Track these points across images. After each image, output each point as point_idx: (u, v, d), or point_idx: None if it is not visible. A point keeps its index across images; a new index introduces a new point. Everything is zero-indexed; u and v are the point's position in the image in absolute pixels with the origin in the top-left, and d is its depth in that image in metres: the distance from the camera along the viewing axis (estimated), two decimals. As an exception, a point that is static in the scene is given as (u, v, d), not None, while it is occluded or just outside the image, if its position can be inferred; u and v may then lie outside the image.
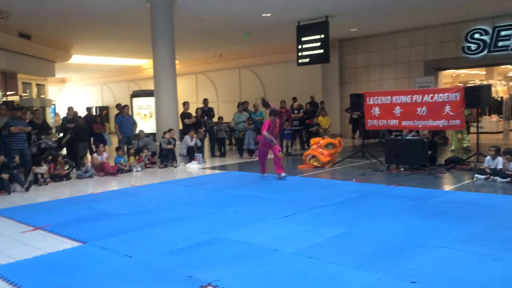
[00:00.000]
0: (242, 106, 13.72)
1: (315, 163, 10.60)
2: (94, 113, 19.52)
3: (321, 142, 10.90)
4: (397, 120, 9.84)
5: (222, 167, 11.30)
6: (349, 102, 11.94)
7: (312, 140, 11.40)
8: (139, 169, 10.94)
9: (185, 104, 12.78)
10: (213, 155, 13.48)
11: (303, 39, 14.40)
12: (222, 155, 13.44)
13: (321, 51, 14.11)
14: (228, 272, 3.94)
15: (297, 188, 7.96)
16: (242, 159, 12.61)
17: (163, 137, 11.40)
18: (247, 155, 12.91)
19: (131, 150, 11.41)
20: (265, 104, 9.58)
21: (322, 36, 13.92)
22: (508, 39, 13.98)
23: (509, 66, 22.01)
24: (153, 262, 4.28)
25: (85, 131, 11.65)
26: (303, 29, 14.27)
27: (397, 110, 9.78)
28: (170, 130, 11.49)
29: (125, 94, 23.93)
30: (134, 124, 12.37)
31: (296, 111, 14.45)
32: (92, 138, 12.23)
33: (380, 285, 3.59)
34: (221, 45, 18.24)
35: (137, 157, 11.32)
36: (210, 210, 6.38)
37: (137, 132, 12.39)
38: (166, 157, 11.43)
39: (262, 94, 20.82)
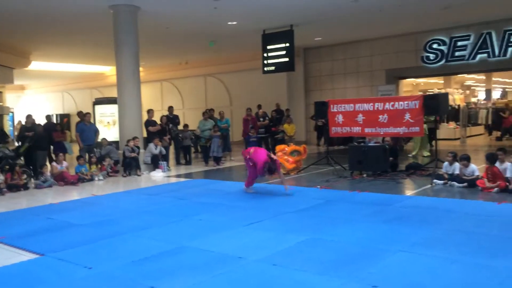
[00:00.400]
0: (208, 113, 13.66)
1: (281, 170, 10.63)
2: (55, 121, 18.98)
3: (286, 149, 10.97)
4: (360, 128, 10.04)
5: (187, 175, 11.19)
6: (314, 110, 12.09)
7: (278, 147, 11.46)
8: (101, 178, 10.69)
9: (150, 111, 12.62)
10: (178, 163, 13.34)
11: (268, 47, 14.52)
12: (188, 163, 13.32)
13: (286, 59, 14.25)
14: (192, 281, 3.89)
15: (262, 195, 7.97)
16: (208, 167, 12.53)
17: (126, 145, 11.20)
18: (213, 163, 12.84)
19: (93, 158, 11.14)
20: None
21: (287, 44, 14.07)
22: (464, 49, 14.56)
23: (465, 75, 22.98)
24: (114, 273, 4.17)
25: (44, 139, 11.29)
26: (269, 38, 14.39)
27: (360, 117, 9.98)
28: (134, 138, 11.29)
29: (87, 101, 23.40)
30: (96, 132, 12.10)
31: (261, 119, 14.51)
32: (52, 147, 11.87)
33: (343, 290, 3.63)
34: (186, 52, 18.16)
35: (99, 166, 11.05)
36: (174, 218, 6.30)
37: (99, 140, 12.12)
38: (130, 166, 11.21)
39: (228, 102, 20.85)
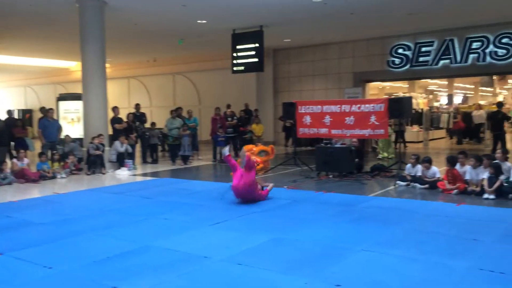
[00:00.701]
0: (176, 112, 13.53)
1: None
2: (16, 116, 18.34)
3: (254, 149, 10.99)
4: (327, 129, 10.17)
5: (153, 174, 11.05)
6: (282, 111, 12.17)
7: (245, 147, 11.45)
8: (63, 175, 10.40)
9: (115, 109, 12.37)
10: (144, 161, 13.15)
11: (238, 47, 14.51)
12: (154, 161, 13.15)
13: (256, 59, 14.28)
14: (156, 281, 3.84)
15: (229, 195, 7.93)
16: (175, 166, 12.42)
17: (91, 143, 10.94)
18: (180, 162, 12.73)
19: (56, 155, 10.84)
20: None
21: (257, 45, 14.10)
22: (428, 55, 14.98)
23: (429, 80, 23.68)
24: (75, 273, 4.07)
25: (4, 135, 10.90)
26: (238, 38, 14.38)
27: (327, 119, 10.12)
28: (99, 136, 11.05)
29: (51, 97, 22.71)
30: (59, 128, 11.77)
31: (229, 118, 14.49)
32: (12, 143, 11.48)
33: (306, 289, 3.67)
34: (155, 49, 17.91)
35: (62, 163, 10.76)
36: (138, 218, 6.20)
37: (62, 137, 11.79)
38: (94, 164, 10.97)
39: (196, 100, 20.72)
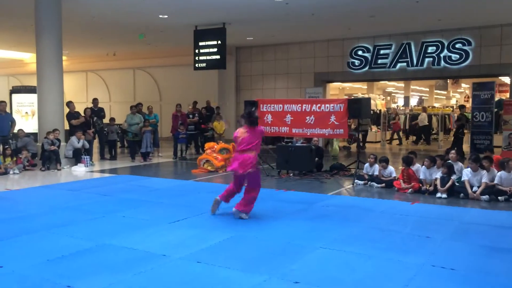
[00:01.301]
0: (136, 108, 13.27)
1: (209, 168, 10.64)
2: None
3: (215, 146, 10.97)
4: (288, 128, 10.26)
5: (112, 171, 10.80)
6: (243, 109, 12.16)
7: (207, 145, 11.43)
8: (16, 171, 10.00)
9: (70, 104, 11.93)
10: (102, 158, 12.83)
11: (200, 43, 14.39)
12: (113, 158, 12.86)
13: (218, 57, 14.22)
14: (112, 280, 3.76)
15: (189, 193, 7.89)
16: (135, 163, 12.18)
17: (46, 138, 10.57)
18: (140, 159, 12.51)
19: (8, 150, 10.39)
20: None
21: (219, 42, 14.04)
22: (386, 58, 15.40)
23: (387, 82, 24.34)
24: (27, 272, 3.93)
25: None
26: (201, 34, 14.27)
27: (288, 118, 10.21)
28: (54, 130, 10.69)
29: (4, 89, 21.72)
30: (12, 122, 11.29)
31: (191, 115, 14.37)
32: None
33: (265, 286, 3.69)
34: (114, 43, 17.47)
35: (14, 159, 10.34)
36: (95, 215, 6.05)
37: (15, 131, 11.32)
38: (49, 159, 10.60)
39: (157, 96, 20.42)
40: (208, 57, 14.41)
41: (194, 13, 12.43)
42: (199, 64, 14.69)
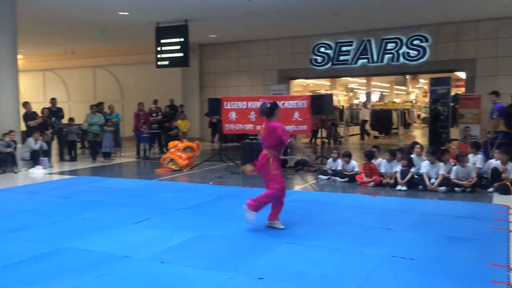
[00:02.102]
0: (97, 107, 12.95)
1: (173, 167, 10.52)
2: None
3: (179, 145, 10.85)
4: (252, 125, 10.28)
5: (72, 172, 10.50)
6: (207, 106, 12.11)
7: (171, 144, 11.29)
8: (-30, 175, 9.57)
9: (26, 104, 11.50)
10: (62, 159, 12.46)
11: (162, 41, 14.20)
12: (73, 159, 12.50)
13: (181, 54, 14.07)
14: (72, 284, 3.66)
15: (153, 193, 7.77)
16: (96, 164, 11.89)
17: (1, 140, 10.15)
18: (102, 159, 12.23)
19: (-40, 154, 9.93)
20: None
21: (182, 39, 13.89)
22: (348, 54, 15.67)
23: (349, 79, 24.78)
24: (-19, 281, 3.76)
25: None
26: (162, 31, 14.07)
27: (252, 115, 10.22)
28: (10, 132, 10.28)
29: (-45, 89, 20.76)
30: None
31: (154, 114, 14.15)
32: None
33: (230, 284, 3.69)
34: (73, 41, 16.97)
35: (-33, 162, 9.89)
36: (54, 218, 5.87)
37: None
38: (5, 162, 10.19)
39: (119, 95, 20.01)
40: (171, 55, 14.24)
41: (155, 10, 12.23)
42: (162, 62, 14.50)
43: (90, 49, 18.96)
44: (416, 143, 8.78)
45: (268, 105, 5.33)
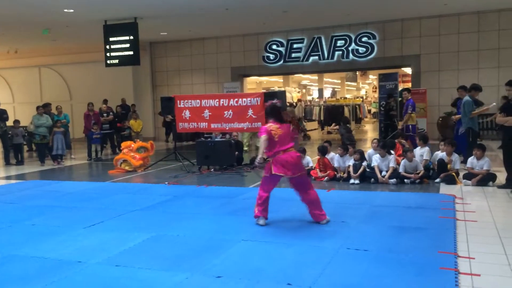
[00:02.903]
0: (44, 108, 12.43)
1: (127, 168, 10.28)
2: None
3: (132, 145, 10.62)
4: (207, 123, 10.20)
5: (19, 176, 10.04)
6: (160, 105, 11.91)
7: (123, 144, 11.03)
8: None
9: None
10: (8, 163, 11.89)
11: (111, 39, 13.82)
12: (19, 163, 11.95)
13: (131, 52, 13.76)
14: (21, 293, 3.50)
15: (106, 195, 7.57)
16: (44, 167, 11.43)
17: None
18: (51, 162, 11.78)
19: None
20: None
21: (131, 37, 13.59)
22: (299, 51, 15.89)
23: (301, 75, 25.14)
24: None
25: None
26: (111, 29, 13.69)
27: (206, 113, 10.15)
28: None
29: None
30: None
31: (105, 114, 13.77)
32: None
33: (187, 284, 3.65)
34: (16, 39, 16.17)
35: None
36: (0, 225, 5.58)
37: None
38: None
39: (67, 96, 19.31)
40: (121, 53, 13.90)
41: (102, 7, 11.89)
42: (111, 61, 14.13)
43: (35, 48, 18.15)
44: (376, 139, 9.09)
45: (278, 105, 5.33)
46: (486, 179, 7.36)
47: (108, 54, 14.02)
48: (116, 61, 14.08)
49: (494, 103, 9.82)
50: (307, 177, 5.29)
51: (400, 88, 15.07)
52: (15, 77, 20.50)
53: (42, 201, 7.12)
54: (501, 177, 7.46)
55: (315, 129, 22.08)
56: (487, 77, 13.57)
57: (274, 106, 5.30)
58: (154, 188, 8.12)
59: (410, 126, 10.64)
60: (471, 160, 7.65)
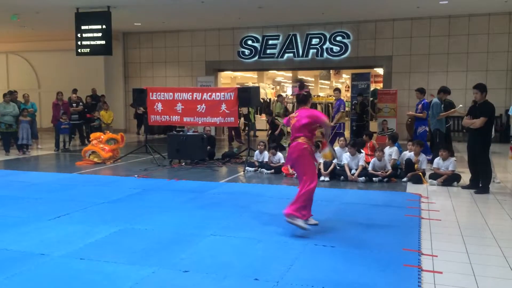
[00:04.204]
0: (10, 96, 12.03)
1: (96, 159, 10.09)
2: None
3: (102, 137, 10.42)
4: (179, 116, 10.10)
5: (-19, 166, 9.72)
6: (132, 97, 11.74)
7: (92, 135, 10.82)
8: None
9: None
10: (-30, 152, 11.48)
11: (83, 27, 13.51)
12: (-17, 152, 11.57)
13: (103, 42, 13.49)
14: (-20, 286, 3.39)
15: (73, 186, 7.40)
16: (9, 156, 11.10)
17: None
18: (17, 151, 11.44)
19: None
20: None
21: (104, 26, 13.32)
22: (275, 48, 15.92)
23: (276, 72, 25.17)
24: None
25: None
26: (83, 17, 13.38)
27: (179, 106, 10.05)
28: None
29: None
30: None
31: (74, 104, 13.46)
32: None
33: (154, 278, 3.61)
34: (-18, 24, 15.62)
35: None
36: (-40, 216, 5.39)
37: None
38: None
39: (35, 84, 18.78)
40: (92, 42, 13.61)
41: (74, -6, 11.59)
42: (82, 50, 13.82)
43: (3, 33, 17.54)
44: (343, 137, 9.23)
45: (305, 93, 5.05)
46: (451, 179, 7.57)
47: (79, 43, 13.70)
48: (88, 50, 13.78)
49: (461, 105, 10.10)
50: (301, 169, 4.90)
51: (371, 88, 15.34)
52: (-20, 63, 19.78)
53: (6, 191, 6.91)
54: (465, 177, 7.69)
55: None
56: (455, 80, 13.94)
57: (308, 94, 5.12)
58: (123, 180, 8.00)
59: (342, 124, 10.82)
60: (437, 160, 7.86)
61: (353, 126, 14.11)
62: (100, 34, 13.43)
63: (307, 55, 15.61)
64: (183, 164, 9.86)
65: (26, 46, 18.39)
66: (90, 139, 10.87)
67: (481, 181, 7.07)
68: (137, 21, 15.35)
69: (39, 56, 18.68)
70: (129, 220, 5.29)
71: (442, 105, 9.30)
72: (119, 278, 3.58)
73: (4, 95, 11.94)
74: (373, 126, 15.06)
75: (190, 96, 9.97)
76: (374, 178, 7.93)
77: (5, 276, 3.58)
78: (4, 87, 17.87)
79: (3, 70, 19.41)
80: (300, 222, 4.70)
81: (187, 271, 3.73)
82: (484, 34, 13.93)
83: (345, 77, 31.91)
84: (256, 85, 19.91)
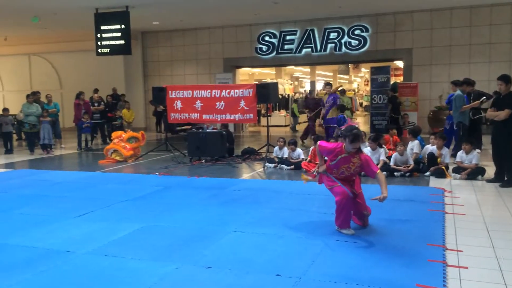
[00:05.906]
0: (33, 97, 12.30)
1: (117, 158, 10.23)
2: None
3: (123, 135, 10.55)
4: (198, 114, 10.16)
5: (8, 165, 9.95)
6: (151, 95, 11.84)
7: (114, 134, 10.96)
8: None
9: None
10: (-4, 152, 11.78)
11: (102, 28, 13.68)
12: (9, 151, 11.84)
13: (122, 41, 13.64)
14: (10, 282, 3.48)
15: (96, 185, 7.53)
16: (34, 156, 11.34)
17: None
18: (40, 151, 11.67)
19: None
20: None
21: (123, 26, 13.46)
22: (292, 43, 15.85)
23: (294, 67, 25.08)
24: None
25: None
26: (102, 18, 13.54)
27: (198, 104, 10.11)
28: None
29: None
30: None
31: (96, 104, 13.66)
32: None
33: (177, 274, 3.65)
34: (5, 27, 15.94)
35: None
36: (-11, 215, 5.54)
37: None
38: None
39: (58, 84, 19.12)
40: (112, 42, 13.78)
41: (93, -6, 11.74)
42: (102, 50, 14.00)
43: (25, 35, 17.92)
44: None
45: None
46: (475, 173, 7.43)
47: (99, 43, 13.89)
48: (107, 50, 13.96)
49: (485, 97, 9.89)
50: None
51: (391, 82, 15.13)
52: (4, 65, 20.22)
53: (31, 190, 7.07)
54: (490, 171, 7.54)
55: (306, 121, 22.02)
56: (478, 72, 13.65)
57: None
58: (145, 178, 8.10)
59: (335, 119, 10.81)
60: (461, 154, 7.72)
61: (373, 121, 13.96)
62: (119, 34, 13.58)
63: (325, 50, 15.49)
64: (203, 161, 9.92)
65: (48, 48, 18.72)
66: (111, 138, 11.01)
67: (506, 174, 6.92)
68: (155, 20, 15.47)
69: (60, 57, 18.99)
70: (152, 217, 5.35)
71: (472, 97, 9.09)
72: (143, 274, 3.63)
73: (28, 96, 12.20)
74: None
75: (209, 94, 10.01)
76: (395, 173, 7.83)
77: (34, 273, 3.67)
78: (27, 88, 18.25)
79: (26, 72, 19.81)
80: (343, 231, 4.70)
81: (209, 267, 3.76)
82: (507, 24, 13.59)
83: (364, 71, 31.62)
84: (275, 81, 19.87)
